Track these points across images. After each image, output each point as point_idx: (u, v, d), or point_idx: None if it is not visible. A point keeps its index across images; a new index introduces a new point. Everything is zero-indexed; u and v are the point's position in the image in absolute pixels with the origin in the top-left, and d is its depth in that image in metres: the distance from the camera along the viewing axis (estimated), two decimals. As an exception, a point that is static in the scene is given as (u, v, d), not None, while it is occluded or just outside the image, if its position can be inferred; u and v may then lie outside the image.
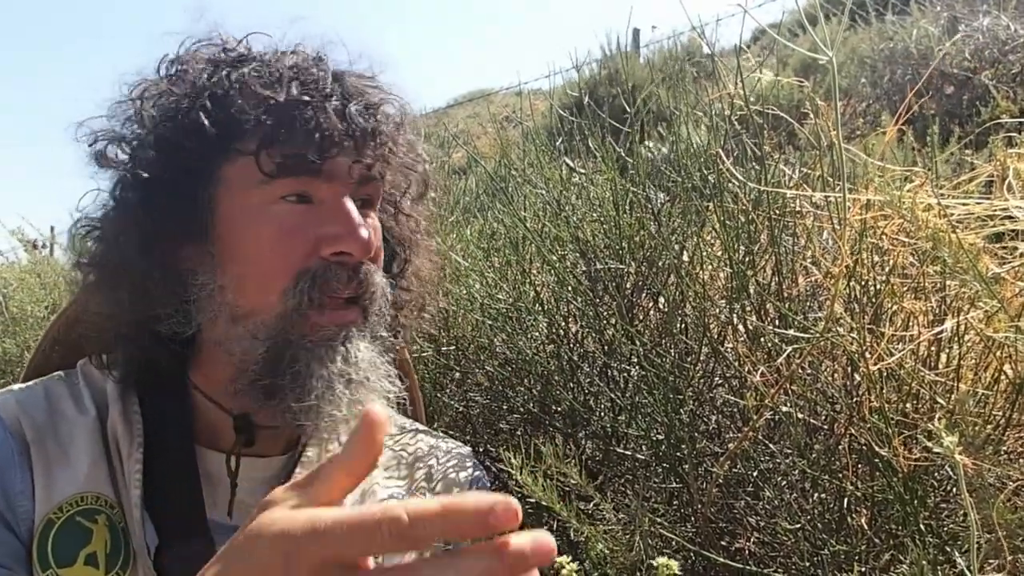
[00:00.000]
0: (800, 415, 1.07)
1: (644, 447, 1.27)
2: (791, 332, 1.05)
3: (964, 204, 0.98)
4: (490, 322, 1.62)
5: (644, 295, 1.46)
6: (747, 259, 1.22)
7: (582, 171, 1.72)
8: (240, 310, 0.95)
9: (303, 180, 0.93)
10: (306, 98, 0.93)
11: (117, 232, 0.97)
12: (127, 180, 0.96)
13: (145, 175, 0.95)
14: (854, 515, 1.04)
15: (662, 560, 0.69)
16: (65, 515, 0.91)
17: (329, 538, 0.50)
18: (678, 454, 1.20)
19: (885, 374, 0.98)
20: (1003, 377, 0.97)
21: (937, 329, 0.99)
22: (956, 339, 1.01)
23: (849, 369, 1.06)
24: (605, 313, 1.46)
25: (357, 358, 0.94)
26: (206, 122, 0.92)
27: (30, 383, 1.00)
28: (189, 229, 0.95)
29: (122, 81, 0.99)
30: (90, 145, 0.98)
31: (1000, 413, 0.95)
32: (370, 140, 0.95)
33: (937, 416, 0.92)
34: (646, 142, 1.68)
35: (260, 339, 0.94)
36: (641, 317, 1.45)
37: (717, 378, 1.28)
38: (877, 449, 0.95)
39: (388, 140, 0.98)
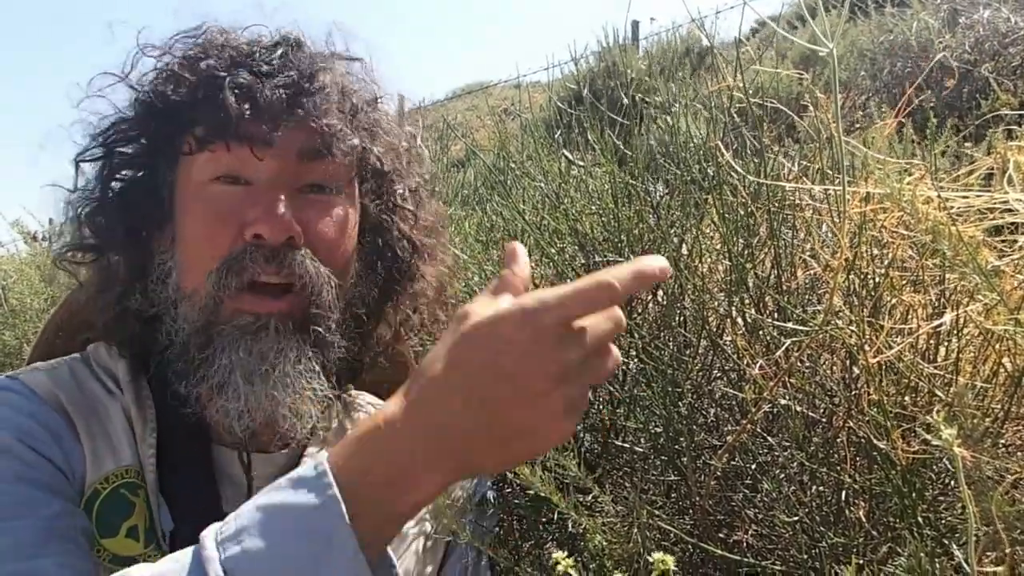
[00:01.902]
0: (798, 408, 1.07)
1: (642, 440, 1.27)
2: (790, 325, 1.05)
3: (964, 197, 0.97)
4: (489, 315, 1.61)
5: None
6: (746, 252, 1.22)
7: (581, 164, 1.72)
8: (181, 293, 0.95)
9: (229, 154, 0.92)
10: (220, 74, 0.92)
11: (96, 219, 0.98)
12: (104, 172, 0.98)
13: (119, 163, 0.97)
14: (852, 508, 1.04)
15: (658, 555, 0.69)
16: (111, 486, 0.91)
17: (561, 304, 0.61)
18: (676, 447, 1.20)
19: (884, 367, 0.98)
20: (1002, 370, 0.97)
21: (936, 322, 0.99)
22: (955, 332, 1.01)
23: (848, 362, 1.06)
24: (604, 306, 1.45)
25: (263, 352, 0.92)
26: (146, 112, 0.94)
27: (51, 362, 1.00)
28: (157, 213, 0.97)
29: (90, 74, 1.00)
30: (75, 158, 1.00)
31: (999, 406, 0.95)
32: (283, 110, 0.92)
33: (936, 409, 0.92)
34: (642, 133, 1.68)
35: (187, 322, 0.94)
36: (639, 310, 1.45)
37: (716, 371, 1.28)
38: (875, 442, 0.95)
39: (323, 116, 0.94)
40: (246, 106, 0.90)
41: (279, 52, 0.96)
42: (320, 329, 0.96)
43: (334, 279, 0.96)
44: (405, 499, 0.65)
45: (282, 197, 0.92)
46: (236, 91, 0.90)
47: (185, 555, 0.65)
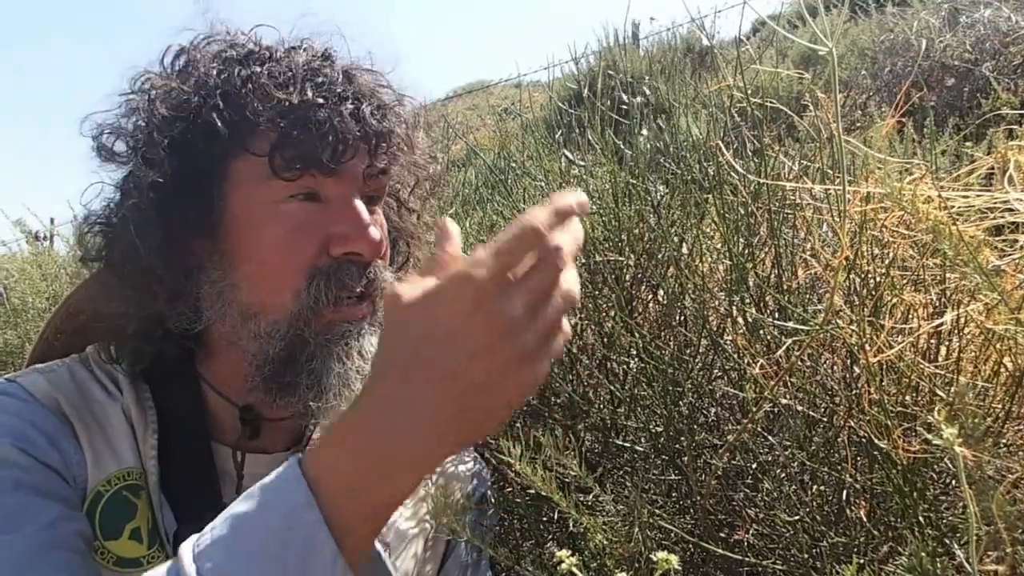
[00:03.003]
0: (799, 407, 1.07)
1: (643, 439, 1.28)
2: (790, 324, 1.05)
3: (964, 196, 0.98)
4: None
5: (643, 287, 1.46)
6: (746, 251, 1.22)
7: (581, 163, 1.72)
8: (251, 308, 0.95)
9: (314, 180, 0.94)
10: (320, 100, 0.94)
11: (129, 230, 0.96)
12: (138, 178, 0.95)
13: (157, 174, 0.94)
14: (853, 507, 1.04)
15: (662, 555, 0.69)
16: (113, 488, 0.91)
17: (494, 256, 0.61)
18: (677, 446, 1.20)
19: (885, 366, 0.98)
20: (1003, 369, 0.97)
21: (937, 321, 0.99)
22: (956, 331, 1.01)
23: (849, 361, 1.06)
24: (604, 305, 1.46)
25: (371, 353, 0.95)
26: (219, 123, 0.92)
27: (51, 364, 1.00)
28: (200, 227, 0.96)
29: (126, 74, 0.99)
30: (94, 138, 0.98)
31: (1000, 405, 0.95)
32: (383, 143, 0.97)
33: (937, 408, 0.92)
34: (642, 132, 1.68)
35: (276, 337, 0.94)
36: (640, 309, 1.45)
37: (716, 370, 1.28)
38: (876, 441, 0.95)
39: (399, 141, 1.00)
40: (330, 138, 0.92)
41: (338, 71, 0.98)
42: None
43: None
44: (380, 489, 0.65)
45: (368, 215, 0.96)
46: (319, 123, 0.92)
47: (163, 570, 0.65)
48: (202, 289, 0.97)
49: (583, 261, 1.50)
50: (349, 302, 0.96)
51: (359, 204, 0.96)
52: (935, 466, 1.00)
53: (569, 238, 0.65)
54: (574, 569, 0.75)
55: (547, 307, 0.64)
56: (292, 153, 0.91)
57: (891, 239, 1.05)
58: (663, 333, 1.37)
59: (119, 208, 0.98)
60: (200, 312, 0.97)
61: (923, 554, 0.80)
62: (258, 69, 0.95)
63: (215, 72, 0.96)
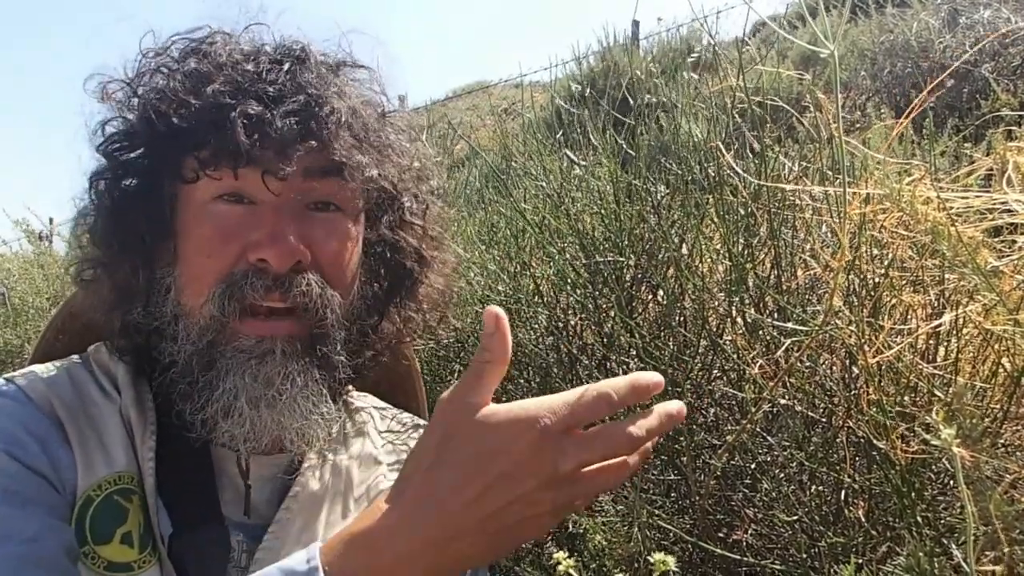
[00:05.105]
0: (798, 408, 1.07)
1: (643, 439, 1.28)
2: (790, 325, 1.05)
3: (963, 197, 0.98)
4: (489, 314, 1.62)
5: (643, 288, 1.46)
6: (746, 252, 1.22)
7: (582, 163, 1.72)
8: (180, 309, 0.94)
9: (236, 181, 0.90)
10: (229, 100, 0.89)
11: (101, 233, 0.98)
12: (106, 185, 0.97)
13: (120, 178, 0.96)
14: (851, 507, 1.05)
15: (659, 556, 0.70)
16: (104, 493, 0.91)
17: (565, 411, 0.67)
18: (676, 446, 1.21)
19: (883, 367, 0.98)
20: (1001, 370, 0.97)
21: (936, 322, 0.99)
22: (954, 332, 1.01)
23: (847, 362, 1.07)
24: (604, 306, 1.46)
25: (269, 377, 0.90)
26: (148, 130, 0.92)
27: (50, 364, 0.99)
28: (158, 228, 0.96)
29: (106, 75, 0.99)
30: (97, 146, 0.99)
31: (998, 406, 0.95)
32: (295, 139, 0.89)
33: (935, 409, 0.92)
34: (643, 133, 1.68)
35: (189, 341, 0.93)
36: (640, 310, 1.45)
37: (716, 371, 1.28)
38: (875, 442, 0.96)
39: (335, 138, 0.92)
40: (255, 137, 0.87)
41: (285, 69, 0.93)
42: (326, 349, 0.95)
43: (339, 299, 0.95)
44: None
45: (288, 220, 0.90)
46: (245, 122, 0.87)
47: None
48: (153, 288, 0.97)
49: (583, 261, 1.50)
50: (265, 317, 0.91)
51: (282, 208, 0.90)
52: (933, 466, 1.00)
53: (653, 431, 0.70)
54: (571, 571, 0.75)
55: (595, 478, 0.70)
56: (213, 151, 0.89)
57: (890, 240, 1.05)
58: (663, 333, 1.38)
59: (94, 214, 0.99)
60: (150, 311, 0.97)
61: (921, 554, 0.80)
62: (180, 74, 0.93)
63: (158, 78, 0.95)
